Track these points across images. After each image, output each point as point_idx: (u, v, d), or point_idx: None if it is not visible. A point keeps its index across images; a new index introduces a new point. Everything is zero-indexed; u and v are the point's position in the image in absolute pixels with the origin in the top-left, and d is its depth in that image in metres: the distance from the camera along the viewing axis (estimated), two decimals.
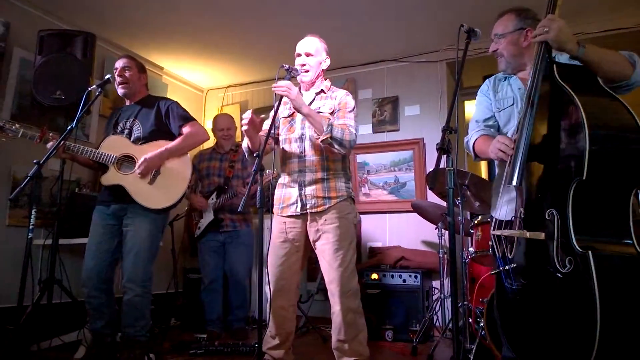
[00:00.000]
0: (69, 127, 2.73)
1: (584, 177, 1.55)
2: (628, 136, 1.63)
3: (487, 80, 2.36)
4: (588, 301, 1.45)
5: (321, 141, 2.41)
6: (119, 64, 3.09)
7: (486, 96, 2.33)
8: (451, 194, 1.70)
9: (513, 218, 1.87)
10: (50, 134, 2.90)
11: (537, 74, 1.83)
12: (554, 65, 1.80)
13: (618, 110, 1.66)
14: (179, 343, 3.55)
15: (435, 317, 3.90)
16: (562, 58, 1.97)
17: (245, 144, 2.61)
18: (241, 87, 5.77)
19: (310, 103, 2.63)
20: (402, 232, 4.68)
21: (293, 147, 2.59)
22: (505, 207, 1.97)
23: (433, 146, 4.53)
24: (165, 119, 3.05)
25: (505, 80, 2.30)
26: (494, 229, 1.94)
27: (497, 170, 2.31)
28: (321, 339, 3.75)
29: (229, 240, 3.92)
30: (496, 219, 1.98)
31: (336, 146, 2.41)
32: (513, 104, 2.20)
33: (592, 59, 1.80)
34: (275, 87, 2.35)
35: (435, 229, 3.83)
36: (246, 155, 2.67)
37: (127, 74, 3.05)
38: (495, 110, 2.28)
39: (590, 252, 1.49)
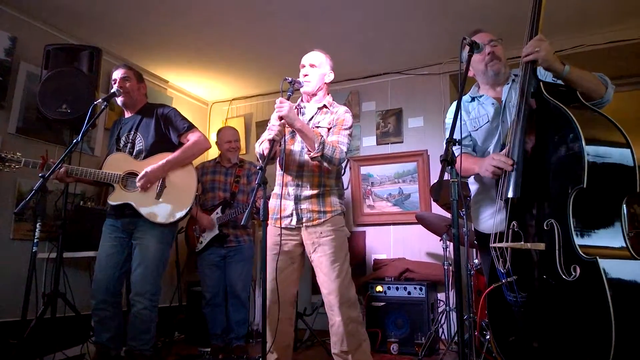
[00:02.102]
0: (75, 141, 2.74)
1: (584, 186, 1.62)
2: (618, 147, 1.71)
3: (455, 103, 2.40)
4: (600, 306, 1.49)
5: (311, 157, 2.44)
6: (118, 74, 3.06)
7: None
8: (455, 206, 1.70)
9: (504, 230, 1.90)
10: (52, 160, 2.90)
11: (526, 90, 1.91)
12: (541, 84, 1.90)
13: (605, 122, 1.77)
14: (183, 357, 3.54)
15: (440, 330, 3.87)
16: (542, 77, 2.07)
17: (261, 149, 2.57)
18: (245, 100, 5.80)
19: (312, 117, 2.64)
20: (406, 244, 4.66)
21: (292, 159, 2.59)
22: (491, 221, 2.02)
23: (437, 158, 4.50)
24: (165, 129, 3.04)
25: (472, 101, 2.38)
26: (493, 242, 1.94)
27: (477, 187, 2.34)
28: (326, 352, 3.72)
29: (231, 254, 3.90)
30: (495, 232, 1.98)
31: (325, 163, 2.45)
32: (488, 121, 2.27)
33: (574, 77, 1.91)
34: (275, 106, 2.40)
35: (440, 240, 3.82)
36: (260, 161, 2.64)
37: (127, 84, 3.04)
38: (471, 129, 2.34)
39: (597, 258, 1.54)
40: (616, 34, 4.05)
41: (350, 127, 2.61)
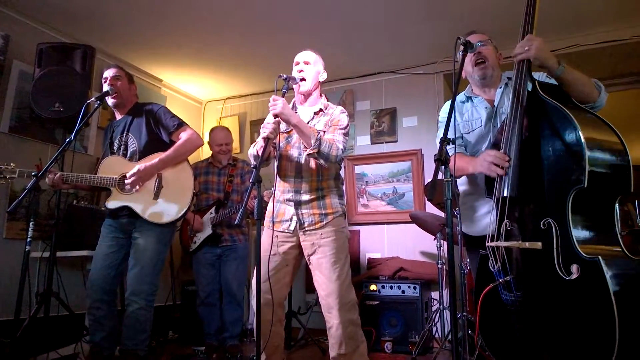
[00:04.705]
0: (67, 140, 2.73)
1: (585, 186, 1.63)
2: (614, 147, 1.73)
3: (449, 102, 2.39)
4: (603, 305, 1.50)
5: (308, 154, 2.41)
6: (109, 73, 3.04)
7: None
8: (449, 205, 1.71)
9: (494, 231, 1.90)
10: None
11: (520, 90, 1.91)
12: (536, 83, 1.90)
13: (600, 123, 1.78)
14: (177, 356, 3.53)
15: (434, 329, 3.88)
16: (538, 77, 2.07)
17: (254, 151, 2.54)
18: (240, 99, 5.79)
19: (308, 122, 2.59)
20: (400, 243, 4.67)
21: (290, 165, 2.57)
22: (482, 221, 2.05)
23: (431, 157, 4.51)
24: (155, 128, 3.01)
25: (467, 101, 2.36)
26: (488, 241, 1.94)
27: (466, 187, 2.34)
28: (320, 351, 3.73)
29: (226, 254, 3.90)
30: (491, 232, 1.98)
31: (321, 160, 2.40)
32: (481, 125, 2.26)
33: (569, 77, 1.90)
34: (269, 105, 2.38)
35: (434, 239, 3.83)
36: (252, 161, 2.62)
37: (118, 83, 3.02)
38: (464, 132, 2.33)
39: (600, 257, 1.55)
40: (610, 34, 4.08)
41: (346, 127, 2.57)
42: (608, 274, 1.52)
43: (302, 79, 2.59)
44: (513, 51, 1.97)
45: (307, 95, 2.65)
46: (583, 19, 3.95)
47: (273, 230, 2.54)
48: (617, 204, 1.74)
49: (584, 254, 1.60)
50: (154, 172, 2.91)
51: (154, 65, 4.93)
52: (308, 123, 2.58)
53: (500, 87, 2.25)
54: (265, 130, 2.33)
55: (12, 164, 2.86)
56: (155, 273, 2.91)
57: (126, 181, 2.85)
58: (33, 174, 2.59)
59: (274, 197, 2.61)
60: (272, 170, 2.68)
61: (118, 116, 3.13)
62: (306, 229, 2.50)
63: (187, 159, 3.07)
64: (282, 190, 2.58)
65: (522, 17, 2.02)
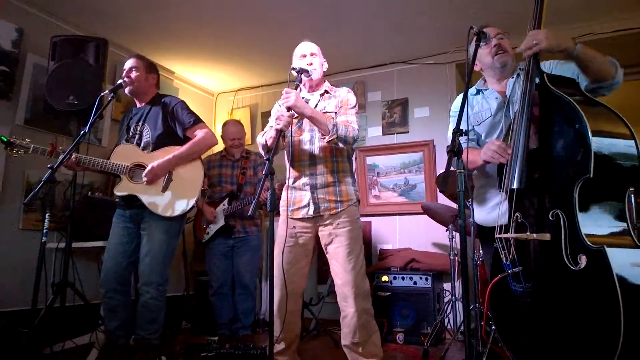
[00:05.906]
0: (82, 132, 2.75)
1: (591, 175, 1.63)
2: (622, 137, 1.73)
3: (460, 96, 2.39)
4: (608, 294, 1.50)
5: (328, 141, 2.46)
6: (127, 64, 3.05)
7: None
8: (462, 197, 1.70)
9: (505, 222, 1.90)
10: (61, 147, 2.92)
11: (529, 83, 1.91)
12: (545, 76, 1.90)
13: (609, 114, 1.78)
14: (190, 346, 3.57)
15: (446, 320, 3.88)
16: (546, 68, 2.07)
17: (264, 140, 2.59)
18: (251, 91, 5.80)
19: (316, 105, 2.65)
20: (412, 234, 4.67)
21: (303, 150, 2.60)
22: (494, 213, 2.04)
23: (443, 148, 4.51)
24: (171, 122, 3.03)
25: (477, 94, 2.38)
26: (498, 233, 1.94)
27: (479, 179, 2.34)
28: (332, 341, 3.75)
29: (238, 245, 3.93)
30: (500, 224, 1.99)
31: (341, 144, 2.48)
32: (490, 115, 2.27)
33: (587, 56, 1.91)
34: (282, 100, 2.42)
35: (446, 230, 3.82)
36: (262, 151, 2.66)
37: (133, 74, 3.01)
38: (474, 123, 2.34)
39: (605, 247, 1.55)
40: (624, 22, 4.01)
41: (355, 106, 2.64)
42: (614, 263, 1.52)
43: (313, 69, 2.65)
44: (520, 47, 1.95)
45: (315, 85, 2.72)
46: (596, 7, 3.88)
47: (288, 219, 2.56)
48: (631, 195, 1.73)
49: (590, 244, 1.60)
50: (167, 169, 2.93)
51: (166, 57, 4.94)
52: (317, 105, 2.65)
53: (513, 77, 2.24)
54: (280, 122, 2.34)
55: (27, 140, 2.89)
56: (165, 264, 2.93)
57: (143, 179, 2.87)
58: (48, 166, 2.62)
59: (287, 185, 2.63)
60: (283, 161, 2.70)
61: (138, 104, 3.15)
62: (321, 213, 2.52)
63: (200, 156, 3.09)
64: (297, 176, 2.60)
65: (531, 4, 2.00)
